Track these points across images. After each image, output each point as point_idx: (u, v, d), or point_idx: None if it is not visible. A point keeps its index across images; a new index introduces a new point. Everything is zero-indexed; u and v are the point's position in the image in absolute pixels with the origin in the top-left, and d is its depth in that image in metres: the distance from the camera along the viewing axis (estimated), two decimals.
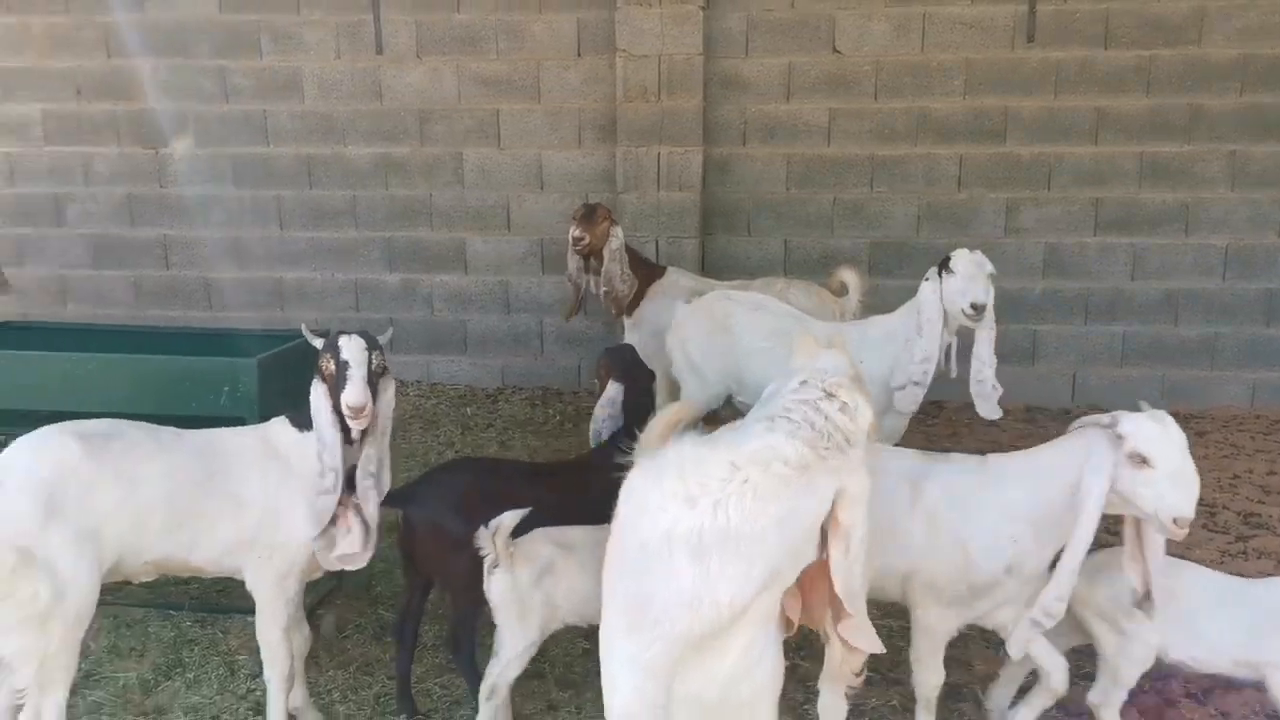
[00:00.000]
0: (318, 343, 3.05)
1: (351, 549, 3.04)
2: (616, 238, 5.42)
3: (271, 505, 3.06)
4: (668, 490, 1.98)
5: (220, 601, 4.28)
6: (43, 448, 2.88)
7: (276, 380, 3.72)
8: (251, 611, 3.87)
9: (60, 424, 2.99)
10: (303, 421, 3.08)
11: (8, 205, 7.72)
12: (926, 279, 4.03)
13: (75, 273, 7.92)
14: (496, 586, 3.10)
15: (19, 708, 2.80)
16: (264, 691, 3.56)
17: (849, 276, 5.37)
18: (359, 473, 3.05)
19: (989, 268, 3.96)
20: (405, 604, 3.52)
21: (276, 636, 3.17)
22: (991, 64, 6.85)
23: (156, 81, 7.51)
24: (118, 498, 2.88)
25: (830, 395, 2.10)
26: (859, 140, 7.01)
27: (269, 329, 4.83)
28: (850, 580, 2.10)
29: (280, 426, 3.15)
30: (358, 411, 2.92)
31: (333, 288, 7.68)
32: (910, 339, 4.04)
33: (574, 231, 5.39)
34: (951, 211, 7.04)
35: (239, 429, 3.24)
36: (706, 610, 1.93)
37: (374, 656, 3.94)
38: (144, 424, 3.08)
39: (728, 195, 7.16)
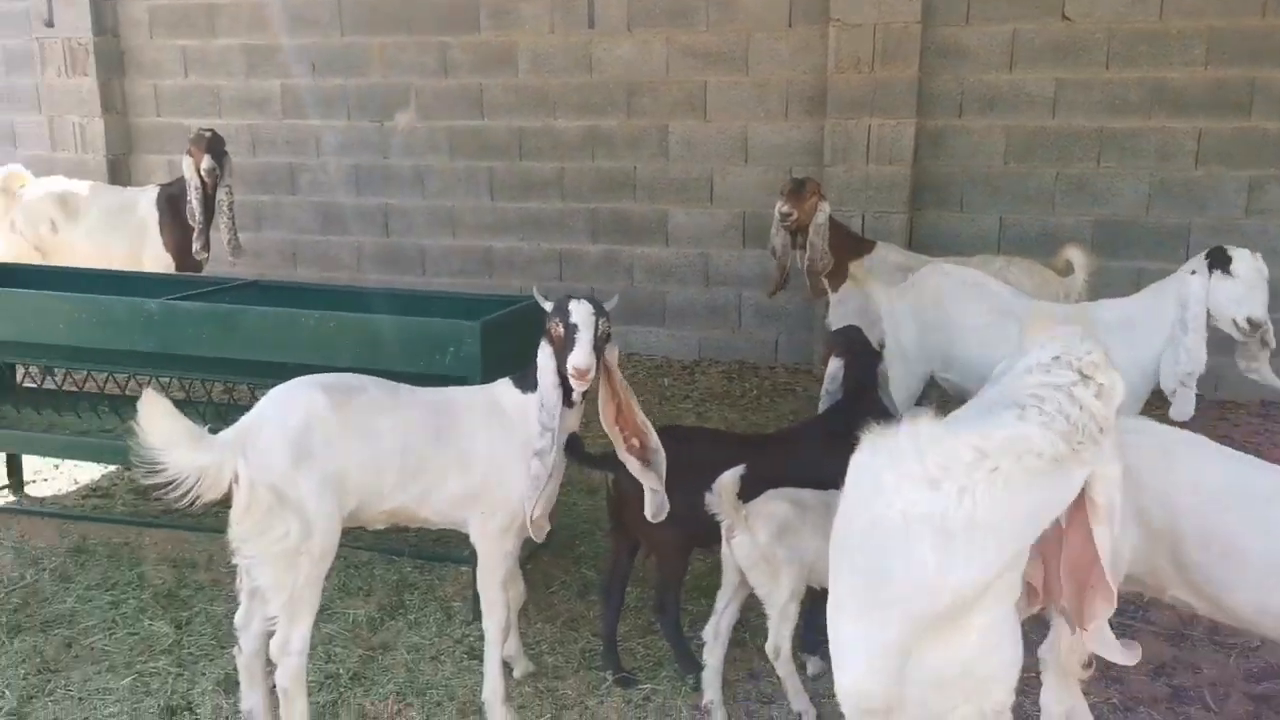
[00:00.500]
0: (547, 305, 3.14)
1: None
2: (823, 212, 5.34)
3: (496, 463, 3.17)
4: (905, 471, 1.94)
5: (436, 550, 4.50)
6: (294, 398, 3.08)
7: (498, 342, 3.86)
8: (464, 561, 4.12)
9: (310, 376, 3.18)
10: (527, 383, 3.19)
11: (250, 174, 8.31)
12: (1194, 272, 3.75)
13: (304, 238, 8.47)
14: (739, 549, 3.14)
15: (270, 634, 3.05)
16: (479, 637, 3.74)
17: (1075, 255, 5.08)
18: None
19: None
20: (611, 566, 3.61)
21: (495, 589, 3.28)
22: (1238, 32, 6.31)
23: (383, 57, 7.91)
24: (358, 448, 3.04)
25: (1086, 378, 2.00)
26: (1086, 112, 6.61)
27: (490, 294, 5.03)
28: (1114, 560, 2.02)
29: (505, 387, 3.26)
30: (583, 374, 2.99)
31: (538, 257, 7.91)
32: (1175, 336, 3.77)
33: (781, 207, 5.34)
34: (1187, 189, 6.55)
35: (468, 388, 3.38)
36: (947, 594, 1.88)
37: (578, 613, 4.07)
38: (382, 380, 3.25)
39: (940, 169, 6.92)
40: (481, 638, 3.70)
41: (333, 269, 8.39)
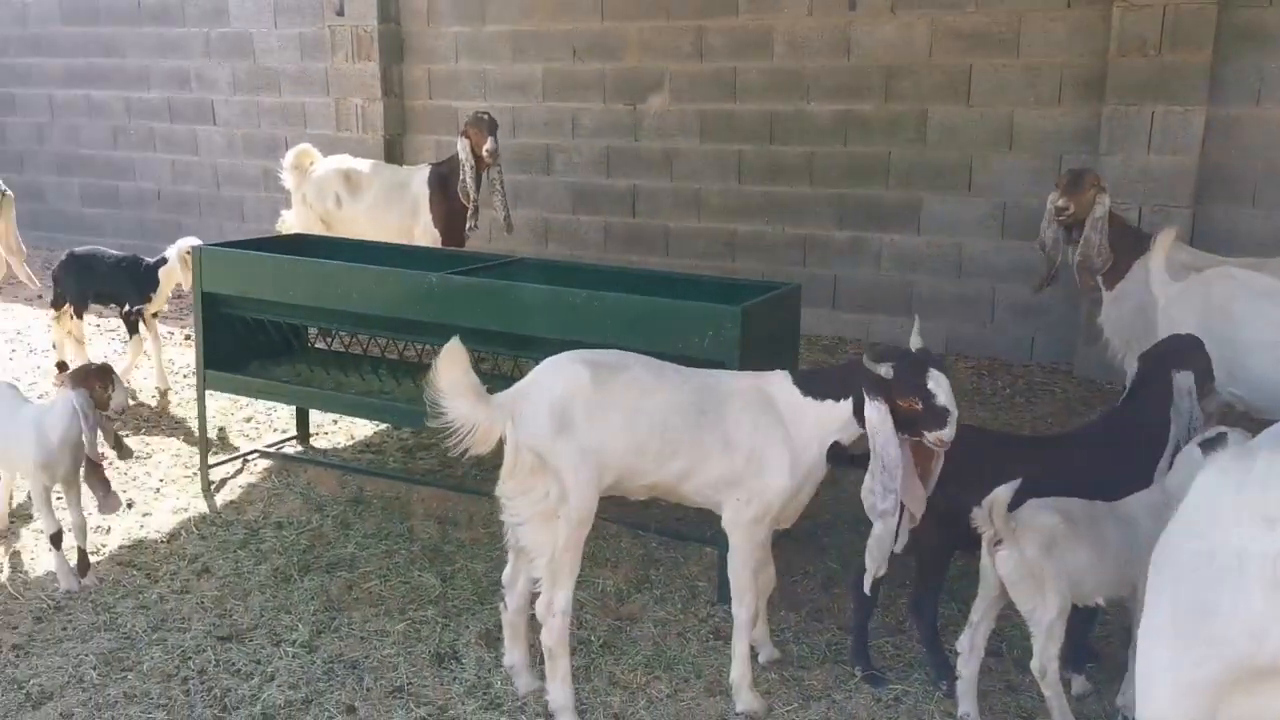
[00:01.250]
0: (884, 370, 3.01)
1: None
2: (1102, 205, 5.01)
3: (759, 453, 3.17)
4: (1244, 501, 1.78)
5: (681, 529, 4.59)
6: (559, 370, 3.20)
7: (756, 328, 3.88)
8: (709, 542, 4.18)
9: (580, 351, 3.31)
10: (812, 388, 3.20)
11: (510, 154, 8.70)
12: None
13: (556, 216, 8.80)
14: (1004, 564, 3.01)
15: (535, 594, 3.22)
16: (724, 618, 3.82)
17: None
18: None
19: None
20: None
21: (746, 575, 3.29)
22: None
23: (640, 41, 8.08)
24: (617, 424, 3.13)
25: None
26: None
27: (745, 279, 5.04)
28: None
29: (782, 382, 3.25)
30: (945, 445, 3.00)
31: (782, 241, 7.87)
32: None
33: (1057, 200, 5.04)
34: None
35: (737, 374, 3.41)
36: (1271, 646, 1.73)
37: (823, 604, 4.04)
38: (650, 359, 3.32)
39: (1230, 161, 6.35)
40: (727, 619, 3.76)
41: (580, 247, 8.68)
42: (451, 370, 3.00)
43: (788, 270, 7.73)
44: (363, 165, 7.30)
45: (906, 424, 3.01)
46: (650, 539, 4.56)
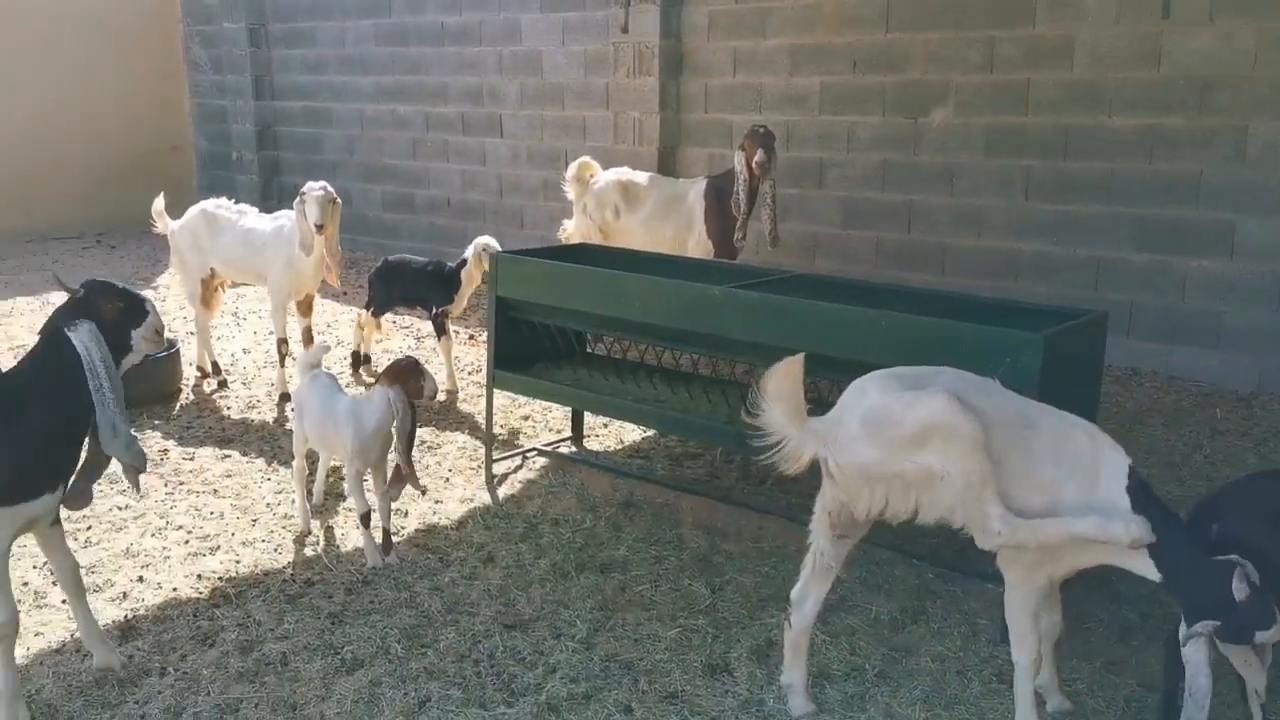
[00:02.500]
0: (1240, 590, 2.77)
1: None
2: None
3: (1055, 502, 2.93)
4: None
5: (958, 561, 4.40)
6: (866, 391, 3.08)
7: (1058, 358, 3.64)
8: (990, 579, 3.97)
9: (886, 371, 3.18)
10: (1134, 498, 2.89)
11: (782, 167, 8.66)
12: None
13: (825, 230, 8.68)
14: None
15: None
16: (1007, 660, 3.58)
17: None
18: None
19: None
20: None
21: (1024, 620, 3.12)
22: None
23: (926, 53, 7.84)
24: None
25: None
26: None
27: (1036, 303, 4.76)
28: None
29: (1108, 446, 2.96)
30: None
31: (1071, 263, 7.40)
32: None
33: None
34: None
35: (1061, 413, 3.07)
36: None
37: (1119, 656, 3.76)
38: (969, 377, 3.13)
39: None
40: (1010, 661, 3.57)
41: (850, 263, 8.52)
42: (784, 379, 2.99)
43: (1077, 295, 7.25)
44: (640, 178, 7.51)
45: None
46: (926, 569, 4.39)
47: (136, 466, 3.36)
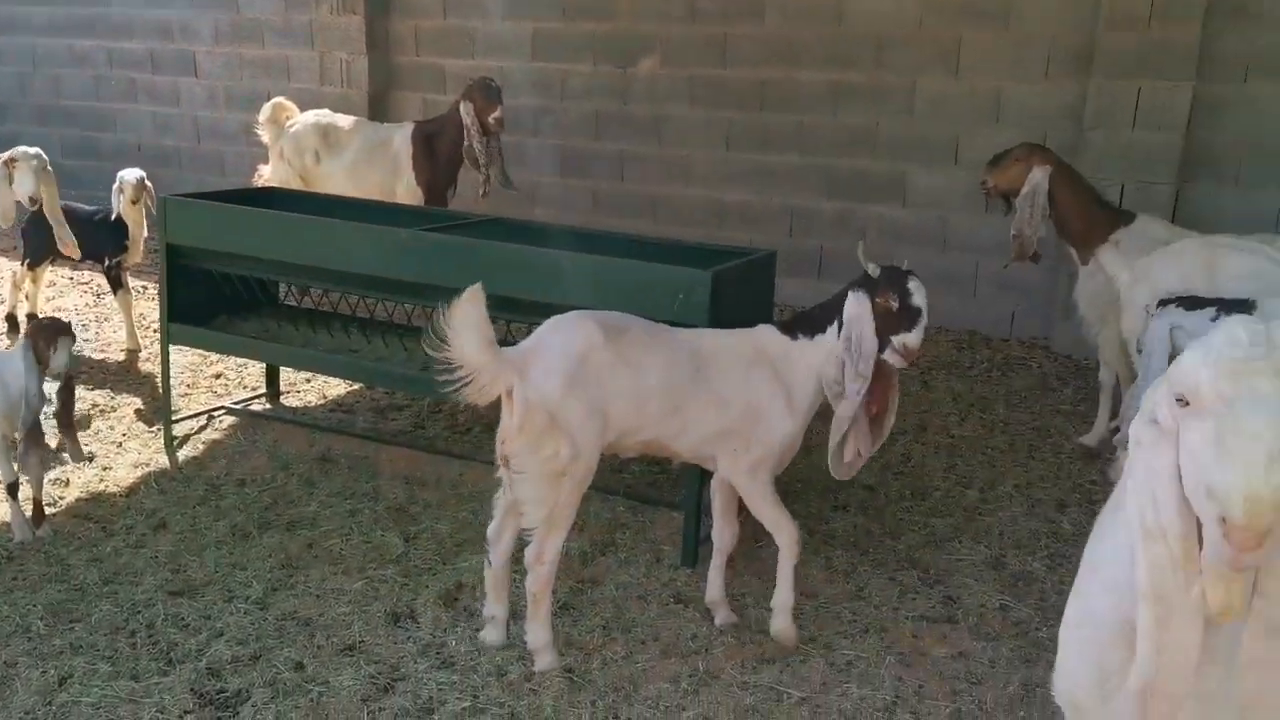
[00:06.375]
0: (873, 269, 3.24)
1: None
2: (1033, 181, 5.03)
3: (753, 404, 3.32)
4: None
5: (649, 493, 4.56)
6: (570, 329, 3.23)
7: (727, 293, 3.82)
8: (676, 506, 4.17)
9: (585, 311, 3.36)
10: (797, 329, 3.42)
11: None
12: None
13: (543, 179, 8.68)
14: None
15: (523, 544, 3.29)
16: (685, 582, 3.85)
17: None
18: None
19: None
20: None
21: (770, 509, 3.45)
22: None
23: (632, 3, 7.94)
24: (626, 381, 3.20)
25: None
26: None
27: (722, 245, 4.95)
28: None
29: (769, 333, 3.46)
30: (912, 356, 3.18)
31: (770, 211, 7.79)
32: None
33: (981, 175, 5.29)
34: None
35: (724, 331, 3.50)
36: None
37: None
38: (644, 320, 3.41)
39: (1215, 139, 6.29)
40: (689, 583, 3.82)
41: (568, 211, 8.56)
42: (468, 311, 2.94)
43: (774, 241, 7.63)
44: (343, 121, 7.18)
45: (882, 323, 3.19)
46: (618, 503, 4.51)
47: None
